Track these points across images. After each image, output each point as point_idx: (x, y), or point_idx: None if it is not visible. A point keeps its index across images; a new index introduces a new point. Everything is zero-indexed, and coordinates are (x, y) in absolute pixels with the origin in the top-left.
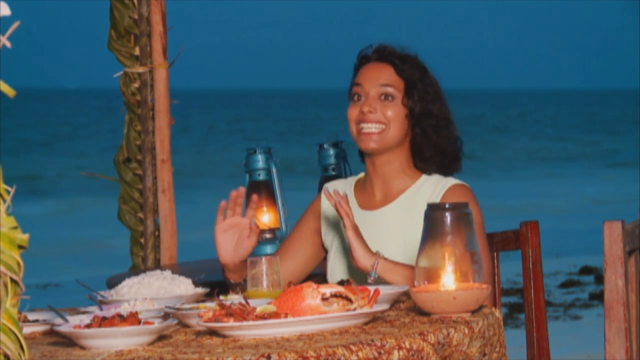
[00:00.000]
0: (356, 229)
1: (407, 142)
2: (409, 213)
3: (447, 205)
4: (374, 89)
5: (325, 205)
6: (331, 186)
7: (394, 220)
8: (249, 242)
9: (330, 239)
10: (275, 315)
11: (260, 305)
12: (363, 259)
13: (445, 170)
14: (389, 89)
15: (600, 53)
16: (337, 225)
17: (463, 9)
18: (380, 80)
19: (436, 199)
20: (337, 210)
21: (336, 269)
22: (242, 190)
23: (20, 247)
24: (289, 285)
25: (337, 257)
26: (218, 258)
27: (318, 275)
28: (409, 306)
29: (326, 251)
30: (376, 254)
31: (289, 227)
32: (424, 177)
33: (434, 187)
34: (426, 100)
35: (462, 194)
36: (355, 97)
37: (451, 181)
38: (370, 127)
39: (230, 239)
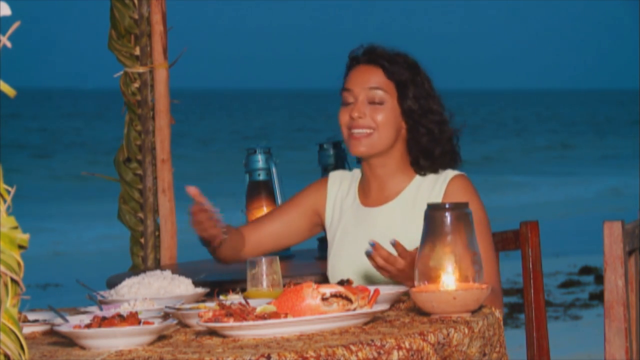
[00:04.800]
0: (403, 271)
1: (401, 143)
2: (412, 210)
3: (447, 205)
4: (362, 94)
5: (333, 195)
6: (335, 175)
7: (396, 218)
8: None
9: (332, 232)
10: (275, 315)
11: (260, 305)
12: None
13: (443, 168)
14: (378, 93)
15: (599, 52)
16: (340, 220)
17: (459, 6)
18: (369, 84)
19: (439, 192)
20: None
21: (337, 267)
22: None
23: (20, 247)
24: (289, 285)
25: (337, 254)
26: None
27: (318, 275)
28: (409, 306)
29: (325, 242)
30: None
31: None
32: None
33: (434, 181)
34: (421, 99)
35: (464, 184)
36: (346, 102)
37: (450, 173)
38: (360, 132)
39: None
